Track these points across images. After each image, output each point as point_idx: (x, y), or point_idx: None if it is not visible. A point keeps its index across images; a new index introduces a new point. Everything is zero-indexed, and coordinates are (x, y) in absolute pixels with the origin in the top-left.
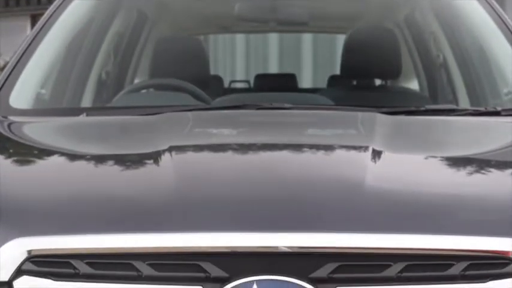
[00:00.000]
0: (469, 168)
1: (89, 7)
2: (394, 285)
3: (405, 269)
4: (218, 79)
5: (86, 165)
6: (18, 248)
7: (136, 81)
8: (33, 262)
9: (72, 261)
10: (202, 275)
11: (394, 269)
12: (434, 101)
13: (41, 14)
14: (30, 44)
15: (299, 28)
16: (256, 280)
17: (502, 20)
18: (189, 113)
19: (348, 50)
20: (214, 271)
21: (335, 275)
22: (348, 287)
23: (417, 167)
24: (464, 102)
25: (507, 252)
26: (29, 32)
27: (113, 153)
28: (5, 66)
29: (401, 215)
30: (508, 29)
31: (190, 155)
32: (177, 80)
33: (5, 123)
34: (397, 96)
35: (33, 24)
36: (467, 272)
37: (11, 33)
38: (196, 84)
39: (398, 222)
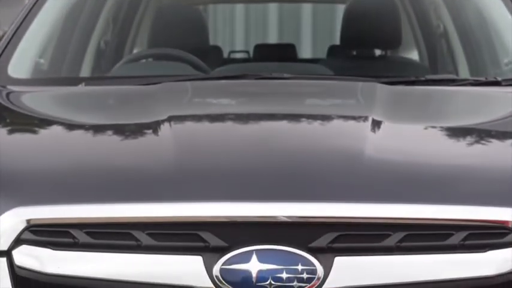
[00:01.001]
0: (469, 139)
1: None
2: (393, 255)
3: (404, 238)
4: (217, 49)
5: (85, 135)
6: (17, 218)
7: (135, 51)
8: (32, 231)
9: (71, 231)
10: (201, 244)
11: (394, 239)
12: (434, 71)
13: None
14: (28, 13)
15: None
16: (255, 250)
17: None
18: (188, 83)
19: (347, 19)
20: (214, 241)
21: (334, 245)
22: (347, 256)
23: (417, 138)
24: (464, 73)
25: (506, 222)
26: (27, 2)
27: (112, 123)
28: (3, 36)
29: (401, 185)
30: None
31: (189, 125)
32: (176, 50)
33: (3, 93)
34: (397, 66)
35: None
36: (467, 242)
37: (9, 3)
38: (196, 54)
39: (398, 192)
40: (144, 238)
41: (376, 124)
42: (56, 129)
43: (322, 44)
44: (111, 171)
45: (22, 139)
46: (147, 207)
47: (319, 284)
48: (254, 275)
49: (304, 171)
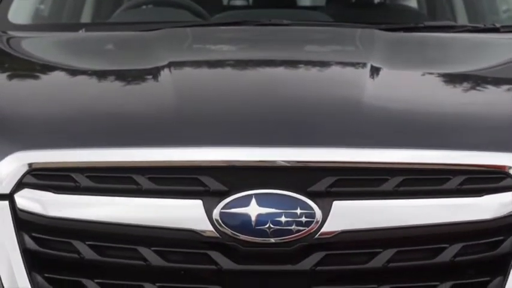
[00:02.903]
0: (467, 85)
1: None
2: (391, 199)
3: (402, 183)
4: None
5: (86, 80)
6: (19, 162)
7: None
8: (33, 175)
9: (73, 175)
10: (201, 188)
11: (391, 183)
12: (433, 17)
13: None
14: None
15: None
16: (254, 194)
17: None
18: (188, 29)
19: None
20: (214, 185)
21: (333, 189)
22: (345, 200)
23: (415, 84)
24: (462, 19)
25: (503, 167)
26: None
27: (112, 69)
28: None
29: (399, 130)
30: None
31: (189, 71)
32: None
33: (4, 38)
34: (396, 13)
35: None
36: (464, 186)
37: None
38: (196, 1)
39: (396, 138)
40: (144, 182)
41: (375, 70)
42: (57, 74)
43: None
44: (112, 116)
45: (23, 84)
46: (147, 152)
47: (318, 227)
48: (253, 218)
49: (303, 117)
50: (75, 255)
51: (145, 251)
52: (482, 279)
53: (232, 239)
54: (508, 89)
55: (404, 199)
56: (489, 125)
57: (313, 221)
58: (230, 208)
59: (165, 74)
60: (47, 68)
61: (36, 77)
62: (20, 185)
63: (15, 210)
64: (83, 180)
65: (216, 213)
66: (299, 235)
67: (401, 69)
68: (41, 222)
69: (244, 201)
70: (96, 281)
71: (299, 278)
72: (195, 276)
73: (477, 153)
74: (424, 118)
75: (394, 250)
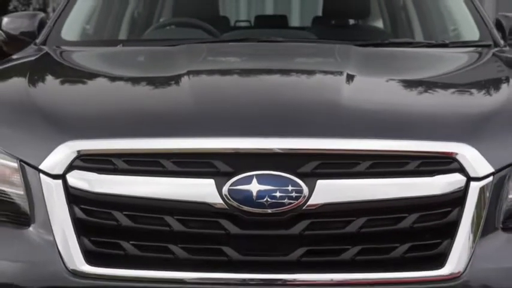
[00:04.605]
0: (424, 88)
1: None
2: (362, 179)
3: (371, 166)
4: (226, 19)
5: (122, 84)
6: (70, 149)
7: (161, 19)
8: (81, 160)
9: (112, 159)
10: (213, 170)
11: (363, 166)
12: (396, 36)
13: None
14: None
15: None
16: (255, 174)
17: None
18: (203, 45)
19: None
20: (223, 167)
21: (317, 171)
22: (326, 180)
23: (382, 87)
24: (419, 37)
25: (451, 153)
26: None
27: (143, 76)
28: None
29: (369, 124)
30: None
31: (204, 77)
32: (194, 19)
33: (58, 52)
34: (366, 32)
35: None
36: (420, 168)
37: None
38: (209, 23)
39: (367, 130)
40: (168, 165)
41: (350, 77)
42: (99, 80)
43: (308, 15)
44: (142, 113)
45: (72, 88)
46: (171, 141)
47: (305, 201)
48: (254, 193)
49: (294, 114)
50: (114, 222)
51: (169, 219)
52: (435, 241)
53: (238, 210)
54: (456, 92)
55: (373, 178)
56: (441, 121)
57: (301, 195)
58: (236, 186)
59: (184, 79)
60: (91, 75)
61: (82, 82)
62: (70, 168)
63: (67, 187)
64: (120, 164)
65: (225, 189)
66: (290, 207)
67: (372, 76)
68: (88, 197)
69: (247, 180)
70: (130, 242)
71: (290, 240)
72: (208, 239)
73: (430, 142)
74: (390, 115)
75: (365, 218)
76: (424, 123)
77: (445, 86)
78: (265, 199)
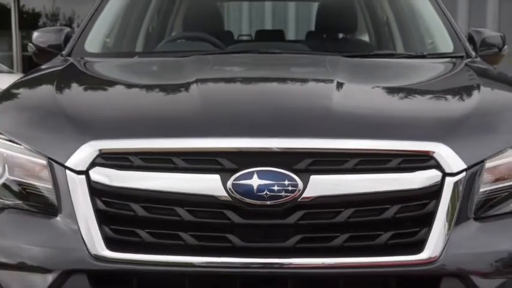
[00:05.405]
0: (405, 94)
1: None
2: (351, 174)
3: (359, 163)
4: (230, 33)
5: (138, 91)
6: (92, 148)
7: (173, 34)
8: (102, 157)
9: (130, 157)
10: (219, 166)
11: (351, 163)
12: (380, 48)
13: None
14: (98, 7)
15: None
16: (256, 170)
17: None
18: (210, 56)
19: (319, 13)
20: (227, 164)
21: (310, 167)
22: (319, 175)
23: (368, 93)
24: (400, 49)
25: (429, 152)
26: None
27: (156, 83)
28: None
29: (357, 126)
30: None
31: (210, 85)
32: (202, 33)
33: (82, 62)
34: (354, 44)
35: None
36: (401, 165)
37: (84, 1)
38: (215, 37)
39: (354, 131)
40: (179, 162)
41: (340, 85)
42: (118, 87)
43: (302, 30)
44: (156, 116)
45: (94, 94)
46: (181, 141)
47: (300, 194)
48: (255, 187)
49: (290, 117)
50: (131, 213)
51: (179, 210)
52: (414, 229)
53: (241, 202)
54: (433, 98)
55: (360, 174)
56: (420, 123)
57: (297, 189)
58: (239, 180)
59: (193, 87)
60: (111, 82)
61: (103, 89)
62: (93, 164)
63: (89, 182)
64: (136, 161)
65: (229, 184)
66: (287, 199)
67: (359, 84)
68: (108, 190)
69: (249, 176)
70: (145, 230)
71: (287, 228)
72: (214, 227)
73: (411, 142)
74: (375, 118)
75: (353, 209)
76: (405, 125)
77: (424, 92)
78: (264, 192)
